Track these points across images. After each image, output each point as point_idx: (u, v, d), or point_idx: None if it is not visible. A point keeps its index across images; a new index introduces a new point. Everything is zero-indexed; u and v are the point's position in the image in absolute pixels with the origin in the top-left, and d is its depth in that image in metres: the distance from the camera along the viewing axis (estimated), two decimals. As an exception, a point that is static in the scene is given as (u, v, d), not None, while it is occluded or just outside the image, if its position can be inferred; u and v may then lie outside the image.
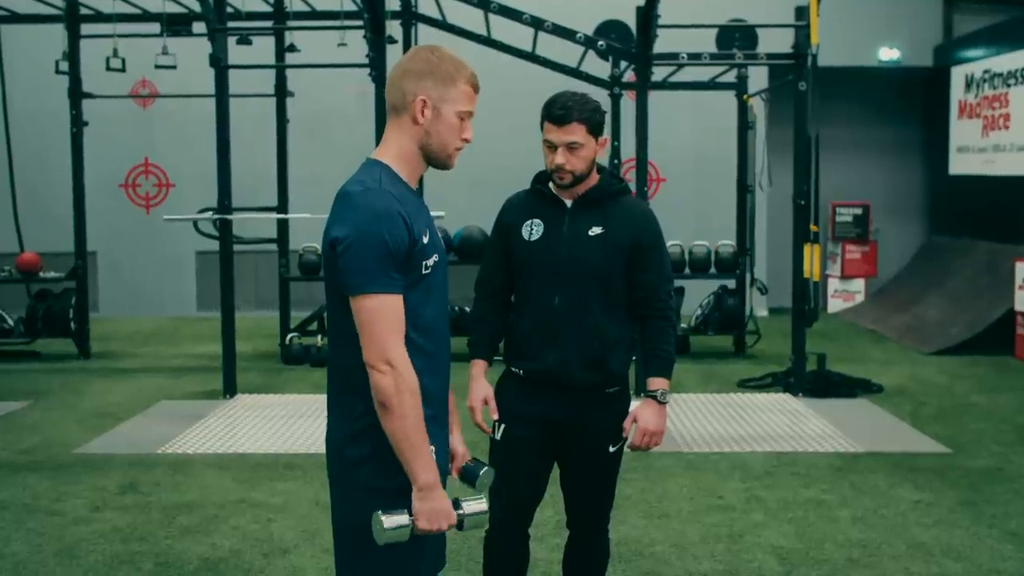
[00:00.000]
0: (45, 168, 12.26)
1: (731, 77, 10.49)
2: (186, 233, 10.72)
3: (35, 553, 4.74)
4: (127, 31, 9.55)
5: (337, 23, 8.50)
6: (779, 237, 12.15)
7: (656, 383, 3.28)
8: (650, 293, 3.29)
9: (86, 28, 9.71)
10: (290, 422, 7.29)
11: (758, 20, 9.80)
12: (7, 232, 10.63)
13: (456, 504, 2.43)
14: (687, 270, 10.34)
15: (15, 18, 9.83)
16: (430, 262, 2.45)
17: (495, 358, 3.42)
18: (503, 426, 3.31)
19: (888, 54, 13.31)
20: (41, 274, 10.29)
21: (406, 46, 9.12)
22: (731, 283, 10.51)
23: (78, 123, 9.84)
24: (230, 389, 8.12)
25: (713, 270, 10.40)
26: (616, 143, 8.69)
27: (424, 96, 2.45)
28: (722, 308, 10.27)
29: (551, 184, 3.30)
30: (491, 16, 8.87)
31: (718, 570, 4.54)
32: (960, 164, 12.55)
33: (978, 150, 11.99)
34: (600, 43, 8.73)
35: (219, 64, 8.02)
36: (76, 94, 9.80)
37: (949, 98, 12.74)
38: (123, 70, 9.62)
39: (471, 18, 9.17)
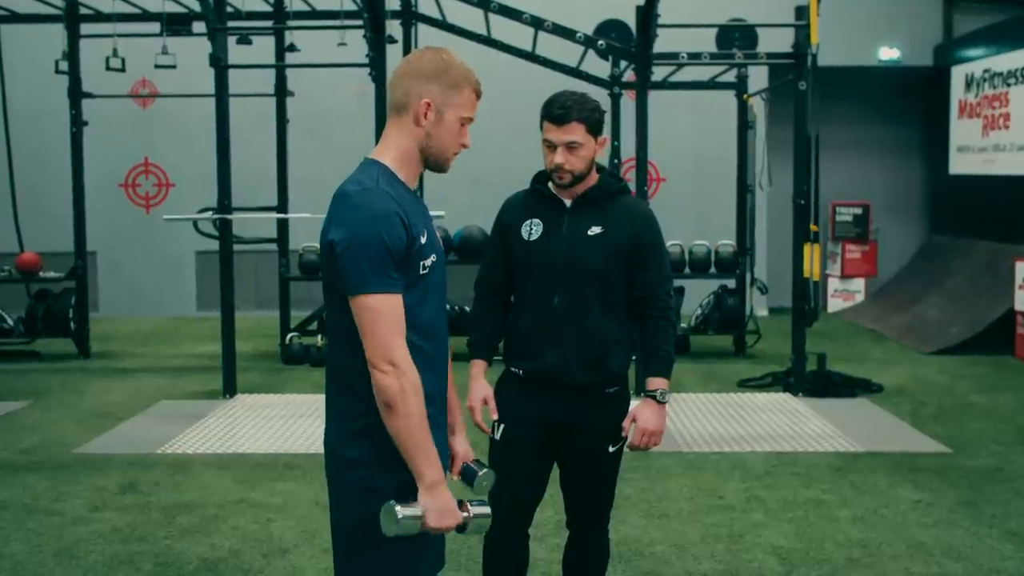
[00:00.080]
0: (45, 168, 12.26)
1: (731, 77, 10.49)
2: (186, 233, 10.72)
3: (34, 553, 4.74)
4: (127, 31, 9.54)
5: (337, 23, 8.50)
6: (779, 237, 12.14)
7: (655, 383, 3.28)
8: (649, 293, 3.28)
9: (86, 28, 9.71)
10: (290, 422, 7.29)
11: (758, 20, 9.79)
12: (7, 232, 10.63)
13: (460, 505, 2.43)
14: (687, 270, 10.34)
15: (15, 18, 9.83)
16: (428, 262, 2.44)
17: (495, 358, 3.42)
18: (502, 426, 3.30)
19: (888, 54, 13.31)
20: (41, 274, 10.29)
21: (406, 46, 9.13)
22: (731, 283, 10.51)
23: (78, 123, 9.84)
24: (230, 389, 8.12)
25: (713, 270, 10.40)
26: (616, 143, 8.69)
27: (429, 99, 2.44)
28: (722, 308, 10.27)
29: (550, 184, 3.30)
30: (491, 16, 8.87)
31: (718, 570, 4.54)
32: (960, 164, 12.55)
33: (978, 150, 11.98)
34: (600, 43, 8.72)
35: (219, 64, 8.02)
36: (76, 94, 9.80)
37: (949, 98, 12.74)
38: (123, 70, 9.62)
39: (471, 18, 9.17)
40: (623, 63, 8.94)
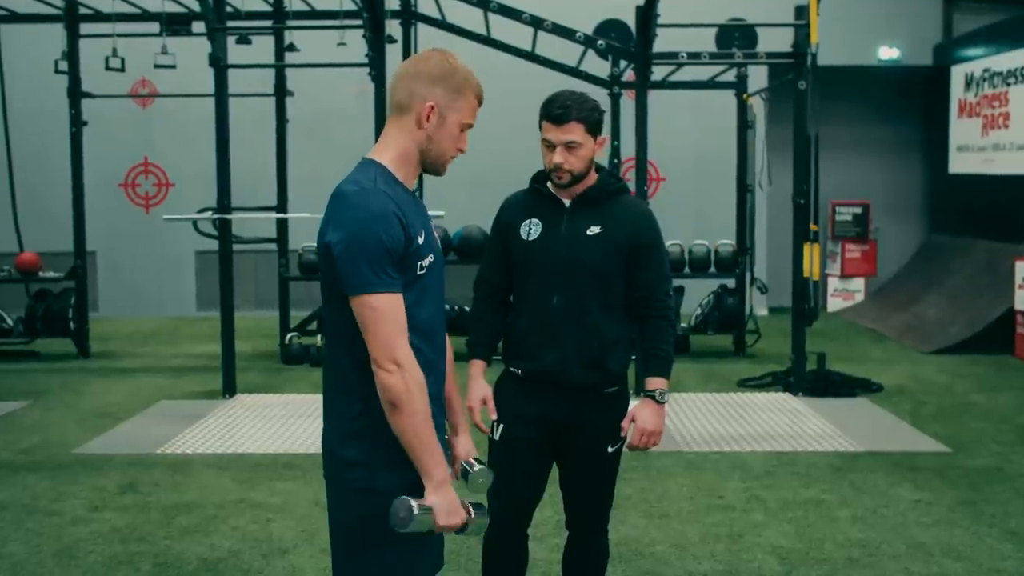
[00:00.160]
0: (44, 168, 12.26)
1: (731, 76, 10.48)
2: (186, 233, 10.71)
3: (33, 553, 4.74)
4: (126, 31, 9.54)
5: (336, 23, 8.49)
6: (779, 236, 12.14)
7: (654, 383, 3.28)
8: (649, 293, 3.28)
9: (85, 28, 9.70)
10: (289, 422, 7.29)
11: (757, 19, 9.79)
12: (6, 232, 10.62)
13: (462, 506, 2.43)
14: (687, 269, 10.34)
15: (14, 18, 9.82)
16: (425, 263, 2.44)
17: (494, 358, 3.42)
18: (501, 426, 3.30)
19: (888, 53, 13.30)
20: (40, 274, 10.28)
21: (405, 45, 9.13)
22: (731, 282, 10.51)
23: (77, 123, 9.84)
24: (229, 389, 8.12)
25: (713, 269, 10.40)
26: (616, 142, 8.69)
27: (433, 102, 2.44)
28: (722, 307, 10.27)
29: (549, 183, 3.30)
30: (490, 15, 8.86)
31: (718, 570, 4.54)
32: (960, 163, 12.55)
33: (978, 149, 11.98)
34: (599, 42, 8.72)
35: (218, 64, 8.01)
36: (75, 94, 9.79)
37: (949, 97, 12.74)
38: (122, 70, 9.61)
39: (470, 17, 9.16)
40: (623, 63, 8.93)
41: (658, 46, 8.47)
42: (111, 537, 4.94)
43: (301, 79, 10.67)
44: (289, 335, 9.93)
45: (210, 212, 8.69)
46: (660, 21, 8.20)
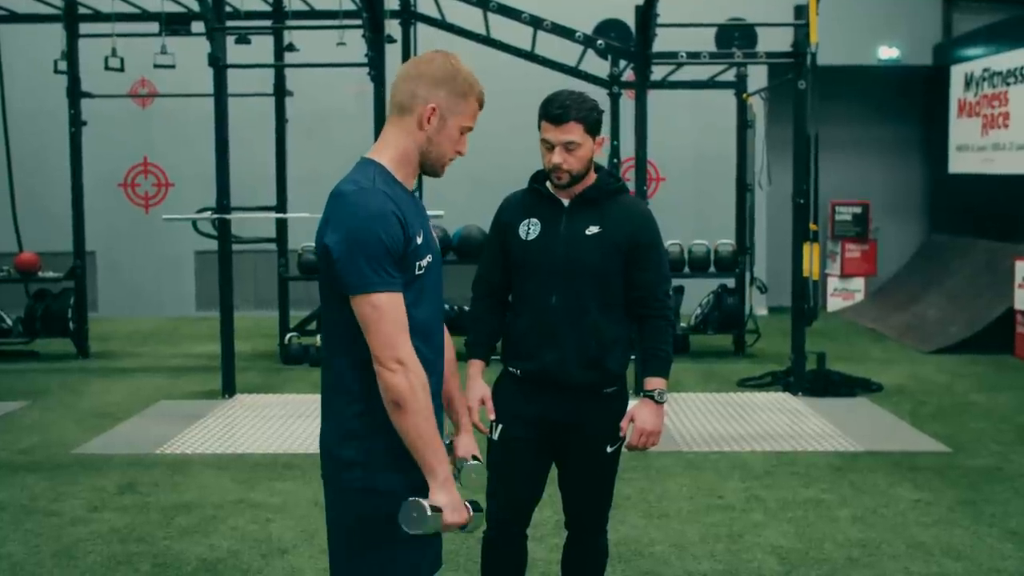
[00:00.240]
0: (44, 168, 12.25)
1: (730, 76, 10.47)
2: (185, 233, 10.71)
3: (33, 554, 4.73)
4: (126, 30, 9.53)
5: (336, 22, 8.49)
6: (779, 236, 12.13)
7: (653, 383, 3.27)
8: (648, 292, 3.28)
9: (85, 27, 9.70)
10: (289, 422, 7.28)
11: (757, 19, 9.78)
12: (6, 232, 10.62)
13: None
14: (686, 269, 10.34)
15: (14, 18, 9.82)
16: (424, 263, 2.44)
17: (492, 358, 3.42)
18: (500, 426, 3.30)
19: (887, 53, 13.30)
20: (40, 274, 10.28)
21: (405, 45, 9.12)
22: (731, 282, 10.51)
23: (77, 123, 9.83)
24: (229, 389, 8.11)
25: (712, 269, 10.40)
26: (615, 142, 8.68)
27: (435, 104, 2.44)
28: (722, 307, 10.26)
29: (548, 183, 3.29)
30: (490, 15, 8.86)
31: (718, 570, 4.53)
32: (960, 163, 12.55)
33: (977, 148, 11.98)
34: (599, 42, 8.71)
35: (218, 63, 8.01)
36: (75, 94, 9.79)
37: (948, 97, 12.73)
38: (122, 69, 9.60)
39: (470, 17, 9.16)
40: (622, 62, 8.93)
41: (658, 46, 8.46)
42: (110, 537, 4.94)
43: (300, 79, 10.66)
44: (288, 335, 9.92)
45: (209, 212, 8.69)
46: (660, 21, 8.20)
